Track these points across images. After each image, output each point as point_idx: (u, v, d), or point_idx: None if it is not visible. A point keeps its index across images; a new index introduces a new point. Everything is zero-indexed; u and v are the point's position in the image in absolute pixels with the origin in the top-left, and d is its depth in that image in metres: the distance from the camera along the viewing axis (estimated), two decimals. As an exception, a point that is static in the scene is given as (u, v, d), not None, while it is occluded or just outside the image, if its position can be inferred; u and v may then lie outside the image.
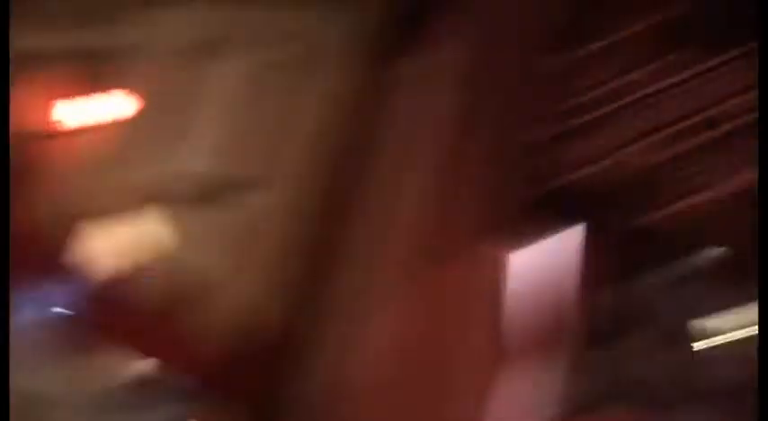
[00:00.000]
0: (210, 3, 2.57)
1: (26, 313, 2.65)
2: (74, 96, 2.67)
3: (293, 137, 2.46)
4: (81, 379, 2.71)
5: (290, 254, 2.49)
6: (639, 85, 3.08)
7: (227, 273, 2.50)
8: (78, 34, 2.62)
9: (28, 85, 2.52)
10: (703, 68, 3.04)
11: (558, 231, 3.02)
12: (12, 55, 2.22)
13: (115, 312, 2.64)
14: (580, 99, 3.07)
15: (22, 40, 2.39)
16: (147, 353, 2.69)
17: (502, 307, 2.97)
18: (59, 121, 2.69)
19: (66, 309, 2.74)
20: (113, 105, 2.70)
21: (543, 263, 3.25)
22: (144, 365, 2.73)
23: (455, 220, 2.63)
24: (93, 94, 2.70)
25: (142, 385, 2.68)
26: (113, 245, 2.57)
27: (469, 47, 2.57)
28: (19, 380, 2.23)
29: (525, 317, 3.26)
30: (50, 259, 2.62)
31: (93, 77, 2.73)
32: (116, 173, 2.63)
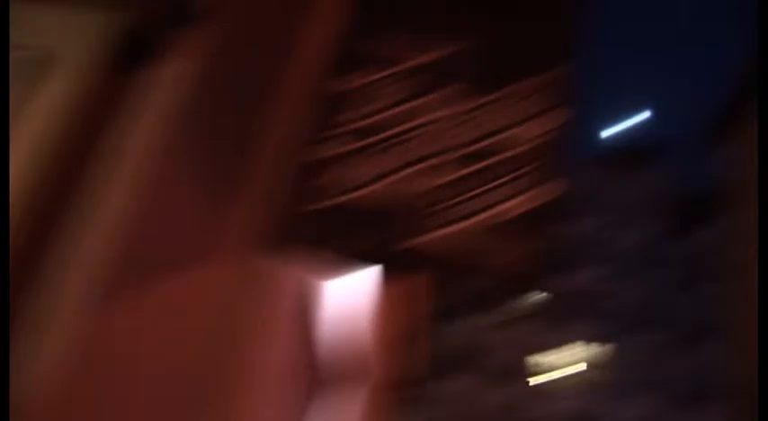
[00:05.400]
0: None
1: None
2: None
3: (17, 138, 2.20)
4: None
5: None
6: (419, 113, 3.31)
7: None
8: None
9: None
10: (481, 102, 3.36)
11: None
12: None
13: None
14: (361, 123, 3.25)
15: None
16: None
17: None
18: None
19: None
20: None
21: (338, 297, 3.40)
22: None
23: (197, 226, 2.59)
24: None
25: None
26: None
27: (212, 56, 2.57)
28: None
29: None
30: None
31: None
32: None
